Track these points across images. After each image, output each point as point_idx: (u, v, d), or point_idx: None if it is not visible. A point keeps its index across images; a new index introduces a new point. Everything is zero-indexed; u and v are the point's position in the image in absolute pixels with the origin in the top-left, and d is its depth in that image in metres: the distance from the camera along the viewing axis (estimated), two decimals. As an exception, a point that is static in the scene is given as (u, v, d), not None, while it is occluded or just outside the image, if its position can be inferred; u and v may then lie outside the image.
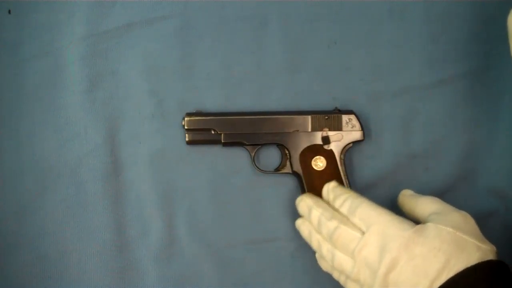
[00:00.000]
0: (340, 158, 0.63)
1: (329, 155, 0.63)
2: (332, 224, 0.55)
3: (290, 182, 0.66)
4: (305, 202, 0.60)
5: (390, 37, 0.67)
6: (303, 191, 0.64)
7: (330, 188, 0.60)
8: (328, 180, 0.62)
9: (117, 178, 0.65)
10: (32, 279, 0.64)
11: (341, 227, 0.54)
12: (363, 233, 0.53)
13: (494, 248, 0.50)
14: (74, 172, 0.65)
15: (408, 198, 0.58)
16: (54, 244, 0.64)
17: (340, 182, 0.62)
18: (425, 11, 0.67)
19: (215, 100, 0.66)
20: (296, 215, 0.66)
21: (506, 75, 0.66)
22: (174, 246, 0.65)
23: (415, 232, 0.50)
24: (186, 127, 0.64)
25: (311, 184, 0.63)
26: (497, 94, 0.66)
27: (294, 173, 0.64)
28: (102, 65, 0.66)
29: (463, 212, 0.53)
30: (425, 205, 0.55)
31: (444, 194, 0.66)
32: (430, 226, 0.51)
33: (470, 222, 0.52)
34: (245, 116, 0.64)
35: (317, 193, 0.62)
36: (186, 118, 0.64)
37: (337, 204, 0.57)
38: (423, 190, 0.65)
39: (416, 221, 0.54)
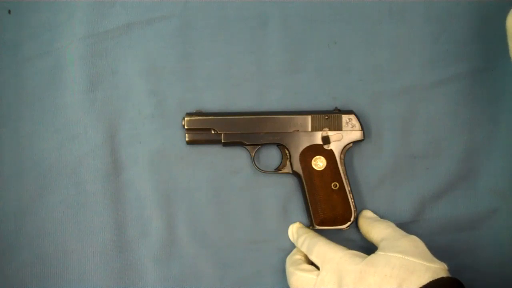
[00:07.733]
0: (340, 158, 0.63)
1: (329, 155, 0.63)
2: (289, 270, 0.61)
3: (290, 182, 0.66)
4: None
5: (390, 37, 0.67)
6: (303, 191, 0.64)
7: (294, 230, 0.64)
8: (328, 180, 0.62)
9: (117, 178, 0.65)
10: (32, 279, 0.64)
11: (296, 273, 0.59)
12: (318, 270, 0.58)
13: (445, 266, 0.53)
14: (74, 172, 0.65)
15: (366, 222, 0.62)
16: (54, 244, 0.64)
17: (340, 182, 0.62)
18: (425, 11, 0.67)
19: (215, 100, 0.66)
20: (296, 215, 0.66)
21: (506, 75, 0.66)
22: (174, 246, 0.65)
23: (367, 264, 0.54)
24: (186, 127, 0.64)
25: (311, 184, 0.63)
26: (497, 94, 0.66)
27: (294, 173, 0.64)
28: (102, 65, 0.66)
29: (412, 237, 0.56)
30: (378, 230, 0.59)
31: (444, 194, 0.66)
32: (379, 255, 0.55)
33: (419, 245, 0.55)
34: (245, 116, 0.64)
35: (317, 192, 0.62)
36: (186, 118, 0.64)
37: (299, 243, 0.62)
38: (423, 190, 0.66)
39: (371, 243, 0.60)
